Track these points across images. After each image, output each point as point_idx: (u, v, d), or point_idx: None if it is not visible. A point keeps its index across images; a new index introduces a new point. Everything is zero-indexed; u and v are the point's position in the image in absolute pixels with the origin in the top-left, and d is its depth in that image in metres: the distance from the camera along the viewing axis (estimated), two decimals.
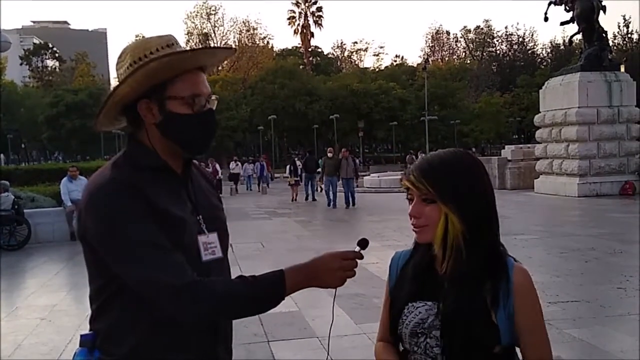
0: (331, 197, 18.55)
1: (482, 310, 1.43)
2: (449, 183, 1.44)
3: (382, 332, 1.65)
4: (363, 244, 1.56)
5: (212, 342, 1.59)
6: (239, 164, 31.73)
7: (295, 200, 22.00)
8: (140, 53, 1.52)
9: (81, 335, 1.56)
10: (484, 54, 74.51)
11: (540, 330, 1.50)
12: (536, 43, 72.93)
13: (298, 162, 25.38)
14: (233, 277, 1.66)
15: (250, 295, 1.48)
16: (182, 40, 64.07)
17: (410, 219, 1.49)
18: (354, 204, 18.19)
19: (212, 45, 58.76)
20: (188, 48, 1.60)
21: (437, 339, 1.46)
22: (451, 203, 1.43)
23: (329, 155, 19.53)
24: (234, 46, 68.93)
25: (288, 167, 25.21)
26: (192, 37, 67.65)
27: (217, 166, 27.91)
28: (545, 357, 1.50)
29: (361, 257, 1.54)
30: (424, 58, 62.99)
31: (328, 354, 1.66)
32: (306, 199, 21.42)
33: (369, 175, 32.67)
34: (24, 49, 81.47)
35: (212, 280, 1.47)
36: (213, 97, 1.60)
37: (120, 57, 1.58)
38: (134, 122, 1.59)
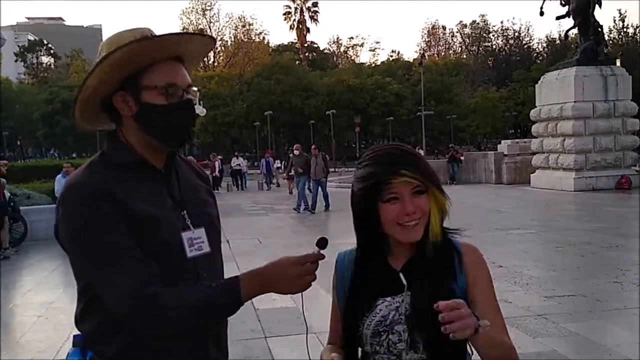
0: (300, 200, 16.62)
1: (443, 289, 1.41)
2: (430, 169, 1.46)
3: (331, 337, 1.62)
4: (322, 243, 1.49)
5: (203, 342, 1.56)
6: (242, 159, 31.04)
7: (292, 193, 22.65)
8: (113, 46, 1.49)
9: (74, 336, 1.55)
10: (480, 48, 74.50)
11: (493, 303, 1.48)
12: (532, 38, 73.16)
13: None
14: (227, 272, 1.65)
15: (204, 304, 1.44)
16: None
17: (402, 217, 1.40)
18: (313, 209, 16.37)
19: None
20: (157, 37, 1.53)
21: (400, 334, 1.43)
22: (439, 189, 1.46)
23: (296, 152, 17.63)
24: (230, 42, 68.83)
25: (284, 162, 25.92)
26: None
27: (217, 163, 27.54)
28: (502, 328, 1.46)
29: (322, 258, 1.47)
30: (420, 53, 62.90)
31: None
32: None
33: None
34: (18, 46, 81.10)
35: (166, 292, 1.42)
36: (194, 89, 1.56)
37: (98, 52, 1.56)
38: (114, 118, 1.57)
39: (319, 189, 16.51)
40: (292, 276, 1.45)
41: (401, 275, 1.48)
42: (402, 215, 1.40)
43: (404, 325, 1.43)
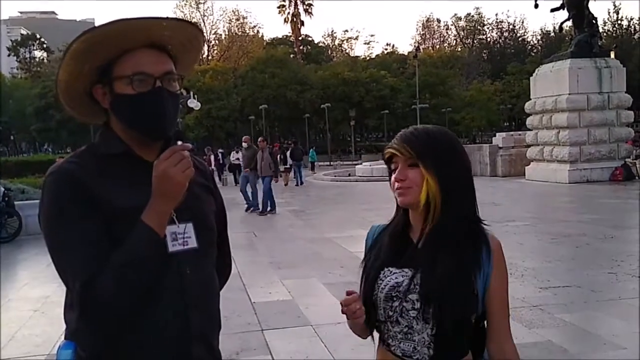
0: (249, 198, 14.94)
1: (463, 276, 1.49)
2: (430, 149, 1.53)
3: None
4: (177, 136, 1.47)
5: (184, 341, 1.51)
6: (241, 154, 30.52)
7: (287, 185, 24.43)
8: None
9: (66, 328, 1.55)
10: (475, 41, 74.46)
11: (506, 307, 1.58)
12: (527, 30, 73.55)
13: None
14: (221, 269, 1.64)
15: (130, 261, 1.39)
16: None
17: (395, 184, 1.56)
18: (266, 210, 14.41)
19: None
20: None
21: (414, 303, 1.50)
22: (431, 167, 1.52)
23: (244, 145, 15.80)
24: (224, 36, 68.47)
25: (279, 156, 26.87)
26: None
27: (212, 157, 27.56)
28: (506, 332, 1.58)
29: (184, 148, 1.43)
30: (414, 46, 62.86)
31: None
32: (296, 184, 24.65)
33: (360, 164, 32.73)
34: (11, 40, 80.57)
35: (102, 277, 1.38)
36: (174, 76, 1.52)
37: None
38: (103, 109, 1.56)
39: (264, 187, 14.46)
40: (166, 171, 1.40)
41: (417, 247, 1.55)
42: (394, 182, 1.57)
43: (417, 295, 1.50)
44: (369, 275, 1.60)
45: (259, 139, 15.49)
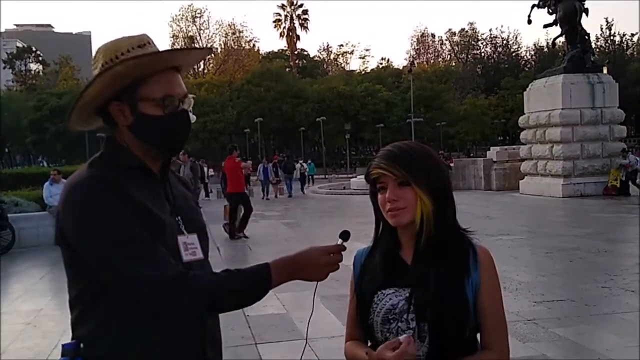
0: None
1: (456, 290, 1.50)
2: (421, 167, 1.53)
3: (350, 330, 1.69)
4: (345, 236, 1.59)
5: (200, 344, 1.57)
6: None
7: (277, 197, 25.65)
8: (111, 54, 1.50)
9: (63, 345, 1.53)
10: (469, 56, 74.92)
11: (500, 313, 1.57)
12: (520, 45, 73.76)
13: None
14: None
15: (236, 289, 1.48)
16: (167, 43, 63.73)
17: (386, 204, 1.53)
18: None
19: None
20: (157, 49, 1.56)
21: (408, 322, 1.50)
22: (425, 185, 1.52)
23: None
24: (219, 49, 68.86)
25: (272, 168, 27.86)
26: (178, 40, 67.26)
27: (205, 169, 27.71)
28: (504, 343, 1.56)
29: (344, 249, 1.57)
30: (409, 61, 63.17)
31: (306, 342, 1.91)
32: (289, 196, 26.07)
33: (355, 177, 32.78)
34: (7, 53, 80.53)
35: (198, 274, 1.46)
36: (190, 96, 1.59)
37: (94, 57, 1.57)
38: (109, 122, 1.58)
39: None
40: (320, 265, 1.54)
41: (410, 266, 1.56)
42: (385, 203, 1.54)
43: (412, 314, 1.50)
44: (364, 299, 1.58)
45: (181, 152, 14.24)
